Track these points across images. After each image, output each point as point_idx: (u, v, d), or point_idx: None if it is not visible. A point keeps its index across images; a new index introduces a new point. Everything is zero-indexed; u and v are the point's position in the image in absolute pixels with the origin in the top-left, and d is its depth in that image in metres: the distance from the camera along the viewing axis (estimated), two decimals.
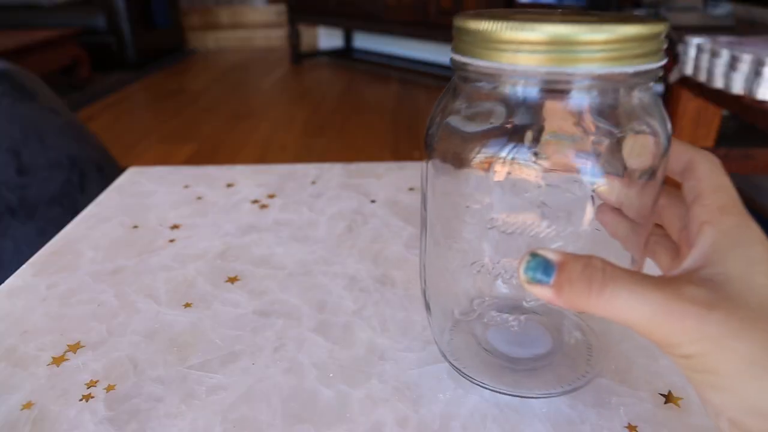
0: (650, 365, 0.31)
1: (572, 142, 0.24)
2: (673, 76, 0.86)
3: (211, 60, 3.74)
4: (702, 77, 0.80)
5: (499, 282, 0.29)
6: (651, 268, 0.27)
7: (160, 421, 0.28)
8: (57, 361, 0.32)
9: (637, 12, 1.05)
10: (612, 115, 0.24)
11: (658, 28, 0.22)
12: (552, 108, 0.24)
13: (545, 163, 0.24)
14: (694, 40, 0.82)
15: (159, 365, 0.32)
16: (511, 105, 0.24)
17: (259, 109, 2.66)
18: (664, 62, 0.23)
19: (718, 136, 0.90)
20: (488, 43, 0.23)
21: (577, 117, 0.24)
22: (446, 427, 0.28)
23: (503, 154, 0.25)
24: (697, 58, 0.81)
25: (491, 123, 0.25)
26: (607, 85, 0.23)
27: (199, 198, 0.53)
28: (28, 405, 0.29)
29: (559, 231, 0.26)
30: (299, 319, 0.35)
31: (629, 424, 0.28)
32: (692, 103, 0.86)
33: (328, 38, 3.88)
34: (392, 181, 0.55)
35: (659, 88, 1.06)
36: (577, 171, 0.25)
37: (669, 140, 0.24)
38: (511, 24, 0.22)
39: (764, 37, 0.85)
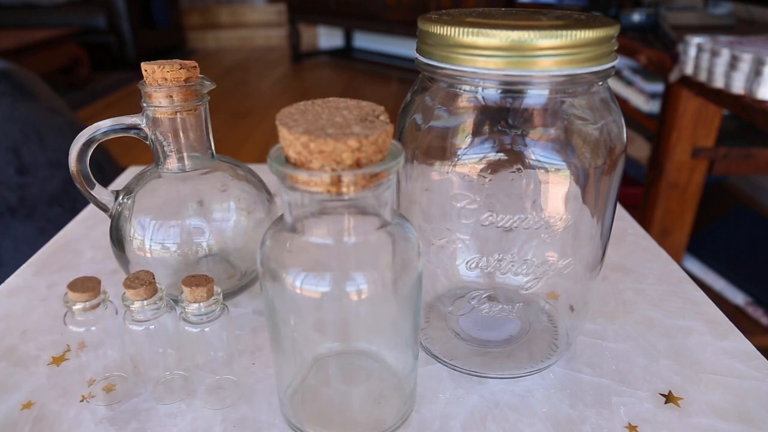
0: (650, 365, 0.31)
1: (539, 139, 0.25)
2: (673, 76, 0.86)
3: (211, 59, 3.73)
4: (702, 77, 0.80)
5: (473, 272, 0.29)
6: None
7: (160, 421, 0.28)
8: (57, 360, 0.32)
9: (637, 12, 1.05)
10: (571, 112, 0.25)
11: (610, 31, 0.23)
12: (517, 107, 0.25)
13: (515, 159, 0.25)
14: (694, 40, 0.81)
15: (159, 365, 0.32)
16: (477, 105, 0.25)
17: (259, 109, 2.66)
18: (616, 61, 0.25)
19: (718, 136, 0.89)
20: (449, 47, 0.24)
21: (542, 115, 0.25)
22: (446, 426, 0.28)
23: (473, 153, 0.25)
24: (698, 58, 0.81)
25: (459, 123, 0.26)
26: (563, 85, 0.24)
27: None
28: (28, 405, 0.29)
29: (517, 222, 0.27)
30: None
31: (629, 424, 0.28)
32: (692, 103, 0.86)
33: (328, 38, 3.88)
34: None
35: (659, 87, 1.06)
36: (546, 166, 0.25)
37: (626, 133, 0.26)
38: (470, 29, 0.23)
39: (764, 36, 0.85)
